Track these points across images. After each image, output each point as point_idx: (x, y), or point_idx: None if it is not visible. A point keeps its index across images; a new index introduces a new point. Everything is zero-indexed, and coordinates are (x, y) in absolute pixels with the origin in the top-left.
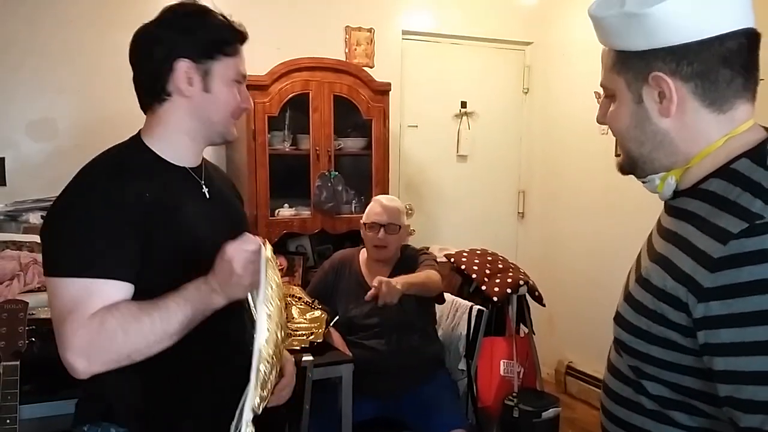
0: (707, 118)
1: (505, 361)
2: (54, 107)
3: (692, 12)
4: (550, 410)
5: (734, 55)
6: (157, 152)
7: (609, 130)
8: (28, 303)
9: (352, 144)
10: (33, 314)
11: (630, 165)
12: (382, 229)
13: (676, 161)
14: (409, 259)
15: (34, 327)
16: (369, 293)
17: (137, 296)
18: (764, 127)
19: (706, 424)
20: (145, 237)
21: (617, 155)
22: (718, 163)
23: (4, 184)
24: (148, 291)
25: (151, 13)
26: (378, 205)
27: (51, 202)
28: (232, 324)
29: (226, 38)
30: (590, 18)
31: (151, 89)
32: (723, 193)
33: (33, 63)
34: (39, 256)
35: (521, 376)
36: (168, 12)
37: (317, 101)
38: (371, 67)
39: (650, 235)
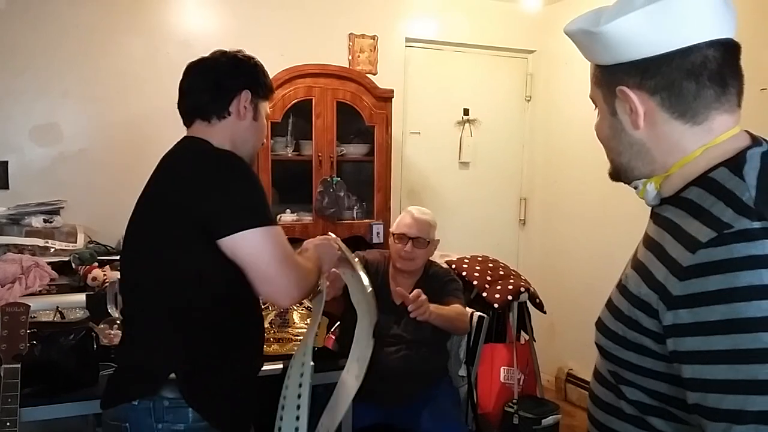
0: (680, 129)
1: (506, 367)
2: (58, 112)
3: (648, 28)
4: (550, 417)
5: (699, 67)
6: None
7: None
8: (29, 306)
9: (355, 150)
10: (34, 317)
11: (615, 172)
12: (410, 242)
13: (654, 169)
14: (434, 279)
15: (35, 330)
16: (401, 293)
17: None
18: (751, 135)
19: (682, 430)
20: None
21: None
22: (697, 171)
23: (7, 188)
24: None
25: (154, 20)
26: (409, 217)
27: (54, 206)
28: (256, 309)
29: (270, 87)
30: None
31: (217, 107)
32: (698, 201)
33: (37, 67)
34: (41, 260)
35: (521, 383)
36: (230, 54)
37: (320, 107)
38: (374, 74)
39: (638, 243)
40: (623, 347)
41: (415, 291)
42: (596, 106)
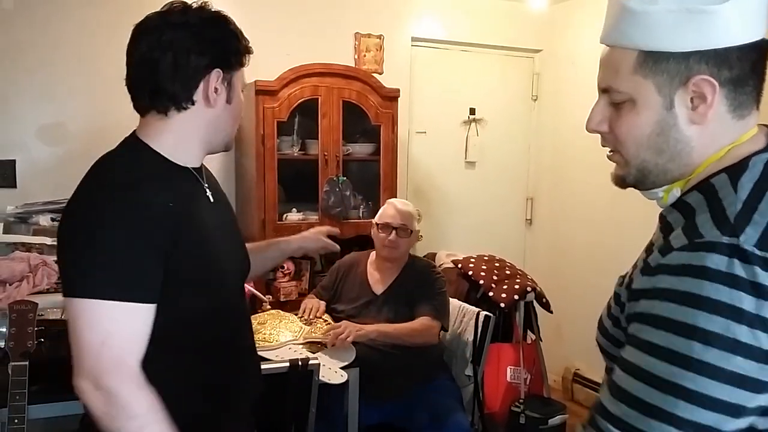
0: (728, 124)
1: (512, 367)
2: (65, 111)
3: (747, 16)
4: (557, 417)
5: (760, 62)
6: (166, 156)
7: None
8: (37, 304)
9: (361, 149)
10: (42, 315)
11: (639, 176)
12: (393, 232)
13: (685, 172)
14: (416, 272)
15: (43, 328)
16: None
17: (161, 310)
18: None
19: None
20: (174, 249)
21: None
22: (708, 172)
23: (15, 187)
24: (171, 303)
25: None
26: (392, 208)
27: (61, 205)
28: (242, 330)
29: (245, 48)
30: (619, 11)
31: (176, 95)
32: (694, 206)
33: (45, 67)
34: (49, 258)
35: (528, 383)
36: (189, 15)
37: (326, 107)
38: (380, 74)
39: None
40: (614, 344)
41: (334, 331)
42: (626, 100)
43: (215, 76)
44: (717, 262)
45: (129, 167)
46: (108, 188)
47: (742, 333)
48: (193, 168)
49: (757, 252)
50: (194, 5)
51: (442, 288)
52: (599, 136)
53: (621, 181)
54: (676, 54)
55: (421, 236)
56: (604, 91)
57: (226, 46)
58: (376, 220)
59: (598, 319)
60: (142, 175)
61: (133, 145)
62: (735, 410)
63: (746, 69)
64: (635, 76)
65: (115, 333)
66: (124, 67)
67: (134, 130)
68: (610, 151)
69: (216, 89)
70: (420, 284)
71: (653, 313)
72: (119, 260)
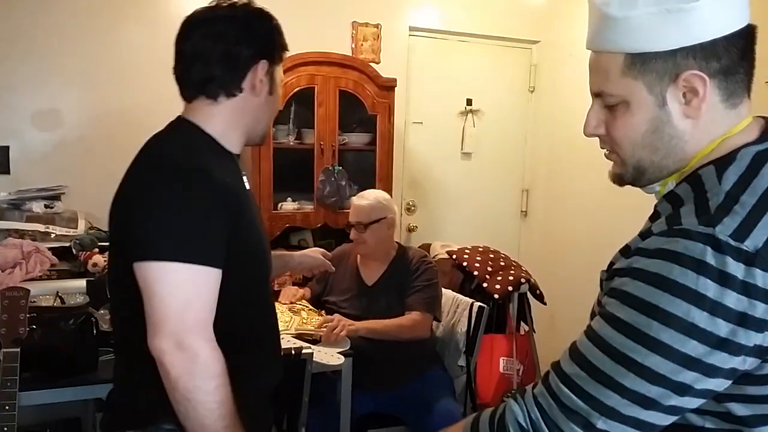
0: (720, 114)
1: (505, 358)
2: (59, 98)
3: (727, 7)
4: None
5: (749, 49)
6: (216, 138)
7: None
8: (29, 291)
9: (357, 139)
10: (34, 302)
11: (636, 174)
12: (353, 229)
13: (680, 167)
14: (404, 264)
15: (35, 314)
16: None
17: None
18: (765, 120)
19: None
20: (233, 223)
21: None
22: (699, 165)
23: (8, 173)
24: (226, 275)
25: (156, 6)
26: (352, 204)
27: (55, 192)
28: (270, 317)
29: (285, 44)
30: (600, 18)
31: (227, 82)
32: (682, 197)
33: (39, 54)
34: (41, 245)
35: (521, 374)
36: (238, 11)
37: (322, 96)
38: (377, 63)
39: None
40: None
41: (328, 326)
42: (619, 102)
43: (262, 66)
44: (690, 248)
45: (188, 145)
46: (182, 161)
47: (702, 319)
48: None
49: (732, 242)
50: (239, 1)
51: (433, 279)
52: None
53: (619, 180)
54: (662, 53)
55: (416, 227)
56: (596, 95)
57: (270, 39)
58: None
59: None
60: (202, 152)
61: (185, 126)
62: (680, 388)
63: (735, 57)
64: (625, 79)
65: (198, 295)
66: (119, 53)
67: (180, 114)
68: (607, 151)
69: (261, 80)
70: (410, 275)
71: (623, 289)
72: (197, 228)
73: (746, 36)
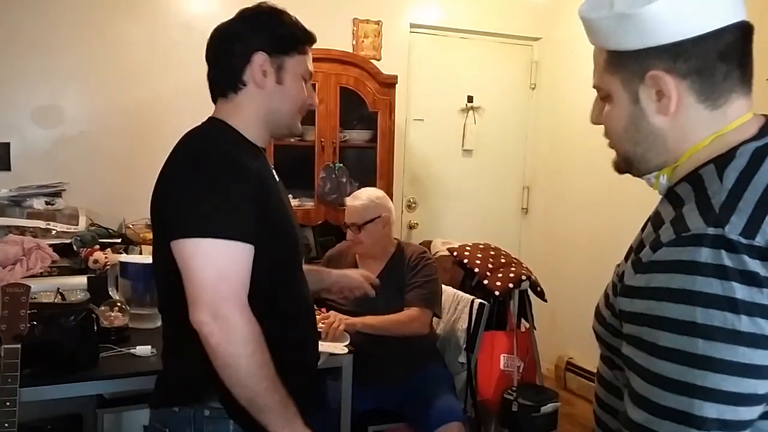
0: (701, 114)
1: (506, 355)
2: (60, 94)
3: (687, 10)
4: (549, 405)
5: (731, 49)
6: (241, 131)
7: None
8: (30, 287)
9: (358, 136)
10: (35, 298)
11: (625, 164)
12: (348, 229)
13: (667, 160)
14: (403, 262)
15: (35, 311)
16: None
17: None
18: (766, 117)
19: None
20: (263, 205)
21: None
22: (698, 163)
23: (9, 169)
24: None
25: (156, 2)
26: (346, 205)
27: (56, 188)
28: (304, 299)
29: (299, 36)
30: (581, 19)
31: (229, 80)
32: (683, 197)
33: (40, 50)
34: (42, 242)
35: (521, 371)
36: (246, 11)
37: (323, 92)
38: (378, 60)
39: None
40: (612, 334)
41: (326, 322)
42: (606, 95)
43: (260, 58)
44: (705, 255)
45: (215, 137)
46: (210, 150)
47: (742, 323)
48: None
49: (743, 240)
50: (258, 5)
51: (432, 275)
52: (599, 126)
53: (616, 167)
54: (630, 52)
55: (416, 224)
56: (594, 87)
57: (272, 31)
58: None
59: (594, 307)
60: (229, 143)
61: (216, 122)
62: (748, 400)
63: (708, 58)
64: (607, 73)
65: (230, 267)
66: (119, 50)
67: (212, 114)
68: (609, 142)
69: (264, 72)
70: (409, 271)
71: (652, 314)
72: (226, 206)
73: (725, 37)
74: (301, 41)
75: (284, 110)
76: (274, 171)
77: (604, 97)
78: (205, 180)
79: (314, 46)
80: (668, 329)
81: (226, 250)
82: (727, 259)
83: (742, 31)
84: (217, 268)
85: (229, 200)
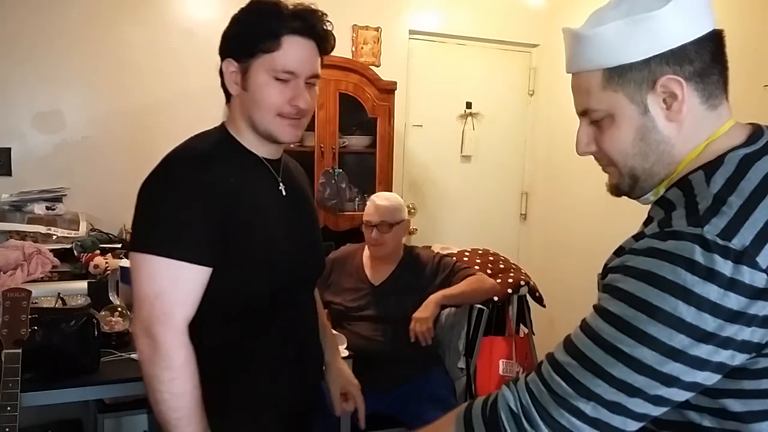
0: (702, 116)
1: (505, 360)
2: (61, 99)
3: (691, 11)
4: None
5: (720, 52)
6: (238, 139)
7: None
8: (31, 292)
9: (357, 142)
10: (36, 303)
11: (631, 184)
12: (374, 229)
13: (669, 172)
14: (416, 264)
15: (36, 316)
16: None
17: (211, 281)
18: (753, 127)
19: (671, 414)
20: (230, 221)
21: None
22: (688, 169)
23: (10, 175)
24: (224, 273)
25: (157, 8)
26: (372, 205)
27: (56, 194)
28: (299, 323)
29: (263, 34)
30: (574, 40)
31: (223, 89)
32: (673, 201)
33: (41, 55)
34: (43, 246)
35: (520, 376)
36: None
37: (323, 98)
38: (377, 66)
39: None
40: None
41: (415, 327)
42: (604, 117)
43: (226, 66)
44: (680, 247)
45: (202, 142)
46: (177, 159)
47: (689, 314)
48: (266, 158)
49: (719, 241)
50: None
51: (457, 268)
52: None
53: (615, 190)
54: (636, 63)
55: (415, 229)
56: (582, 114)
57: (234, 34)
58: (363, 218)
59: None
60: (210, 150)
61: (220, 128)
62: (666, 379)
63: (707, 60)
64: (606, 93)
65: (169, 287)
66: (120, 54)
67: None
68: (605, 165)
69: (234, 78)
70: (439, 273)
71: (614, 285)
72: (177, 223)
73: (714, 39)
74: (269, 36)
75: (257, 117)
76: (281, 186)
77: (597, 121)
78: (160, 195)
79: None
80: (621, 299)
81: (168, 269)
82: (698, 255)
83: (719, 36)
84: (156, 286)
85: (179, 218)
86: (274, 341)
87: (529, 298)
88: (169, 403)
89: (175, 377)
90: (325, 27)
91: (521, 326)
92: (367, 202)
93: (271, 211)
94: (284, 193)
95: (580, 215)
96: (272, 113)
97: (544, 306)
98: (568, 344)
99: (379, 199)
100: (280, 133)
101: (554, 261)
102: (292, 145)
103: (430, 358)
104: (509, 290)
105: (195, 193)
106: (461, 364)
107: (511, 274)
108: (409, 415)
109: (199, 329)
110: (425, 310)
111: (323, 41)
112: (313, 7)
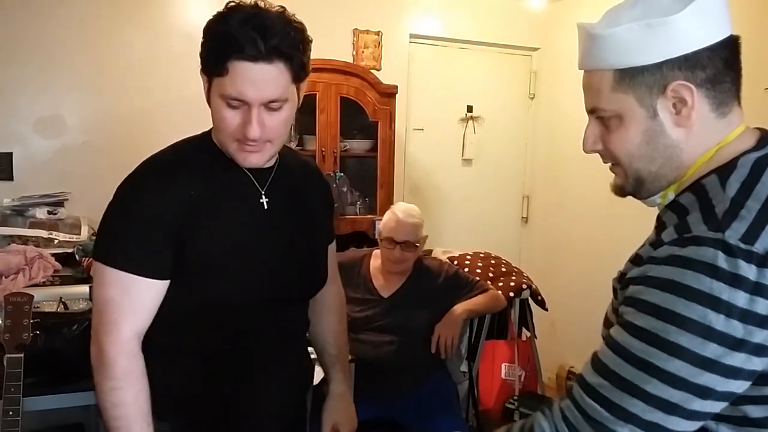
0: (712, 123)
1: (507, 364)
2: (62, 104)
3: (708, 17)
4: None
5: (733, 59)
6: (221, 148)
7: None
8: (33, 296)
9: (358, 146)
10: (38, 307)
11: (636, 186)
12: (398, 246)
13: (677, 176)
14: (427, 276)
15: (38, 320)
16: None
17: (171, 292)
18: (761, 132)
19: None
20: (189, 233)
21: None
22: (700, 174)
23: (12, 179)
24: (184, 285)
25: (158, 12)
26: (394, 220)
27: (58, 198)
28: (272, 340)
29: (210, 57)
30: (588, 38)
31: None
32: (687, 206)
33: (42, 59)
34: (45, 251)
35: (522, 380)
36: None
37: (324, 102)
38: (378, 70)
39: None
40: None
41: (434, 336)
42: (612, 117)
43: (203, 79)
44: (701, 254)
45: (175, 151)
46: (142, 170)
47: (719, 321)
48: (253, 172)
49: (741, 245)
50: None
51: (469, 281)
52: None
53: (620, 190)
54: (649, 66)
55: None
56: (591, 112)
57: (203, 50)
58: (380, 228)
59: (596, 316)
60: (177, 160)
61: (204, 134)
62: (702, 391)
63: (720, 67)
64: (616, 94)
65: (119, 298)
66: (121, 59)
67: None
68: (611, 165)
69: (205, 91)
70: (446, 289)
71: (638, 297)
72: (132, 234)
73: (729, 46)
74: (215, 61)
75: (219, 138)
76: (263, 199)
77: (606, 120)
78: (120, 205)
79: (314, 57)
80: (647, 312)
81: (117, 279)
82: (722, 261)
83: (735, 43)
84: (106, 294)
85: (135, 230)
86: (238, 358)
87: (531, 301)
88: (109, 412)
89: (116, 387)
90: (287, 43)
91: (523, 330)
92: (388, 214)
93: (241, 224)
94: (266, 207)
95: (581, 218)
96: (229, 138)
97: (547, 309)
98: (597, 363)
99: (403, 214)
100: (238, 158)
101: (556, 264)
102: (292, 149)
103: (433, 363)
104: (511, 294)
105: (153, 205)
106: (464, 367)
107: (513, 278)
108: (412, 420)
109: (157, 337)
110: (454, 326)
111: (287, 59)
112: (271, 20)
